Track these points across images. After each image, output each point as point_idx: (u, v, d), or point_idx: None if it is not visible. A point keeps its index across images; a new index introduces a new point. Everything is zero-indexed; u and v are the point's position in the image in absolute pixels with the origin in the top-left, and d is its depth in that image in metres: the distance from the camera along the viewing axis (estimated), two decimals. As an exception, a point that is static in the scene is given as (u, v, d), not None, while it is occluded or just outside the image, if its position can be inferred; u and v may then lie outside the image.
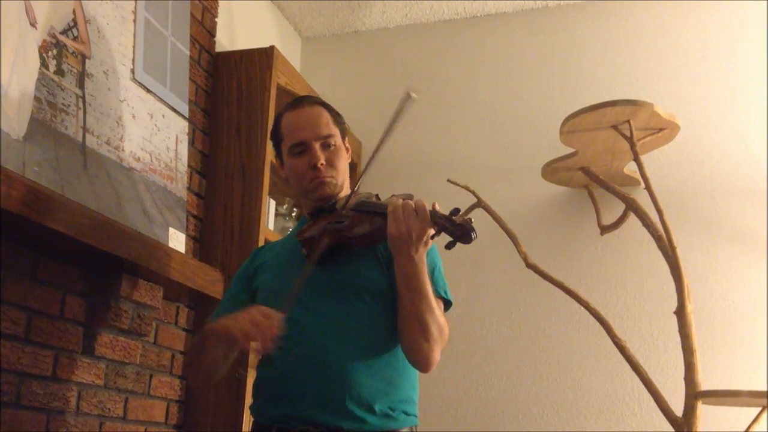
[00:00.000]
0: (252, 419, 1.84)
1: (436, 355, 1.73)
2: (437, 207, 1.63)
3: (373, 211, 1.73)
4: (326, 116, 1.91)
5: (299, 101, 1.97)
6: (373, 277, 1.78)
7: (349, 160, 1.96)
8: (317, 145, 1.87)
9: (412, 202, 1.62)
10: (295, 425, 1.69)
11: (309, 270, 1.69)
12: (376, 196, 1.87)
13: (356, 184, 1.84)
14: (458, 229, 1.54)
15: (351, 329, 1.74)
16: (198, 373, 1.95)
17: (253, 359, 2.05)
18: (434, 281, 1.78)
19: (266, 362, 1.82)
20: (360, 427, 1.67)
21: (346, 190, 1.91)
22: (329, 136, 1.88)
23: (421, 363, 1.74)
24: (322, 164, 1.85)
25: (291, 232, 2.00)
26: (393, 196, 1.73)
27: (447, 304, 1.85)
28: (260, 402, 1.81)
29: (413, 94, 1.63)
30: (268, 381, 1.80)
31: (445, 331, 1.73)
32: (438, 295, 1.79)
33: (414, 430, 1.79)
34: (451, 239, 1.57)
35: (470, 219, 1.54)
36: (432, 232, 1.61)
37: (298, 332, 1.73)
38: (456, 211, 1.59)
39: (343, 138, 1.94)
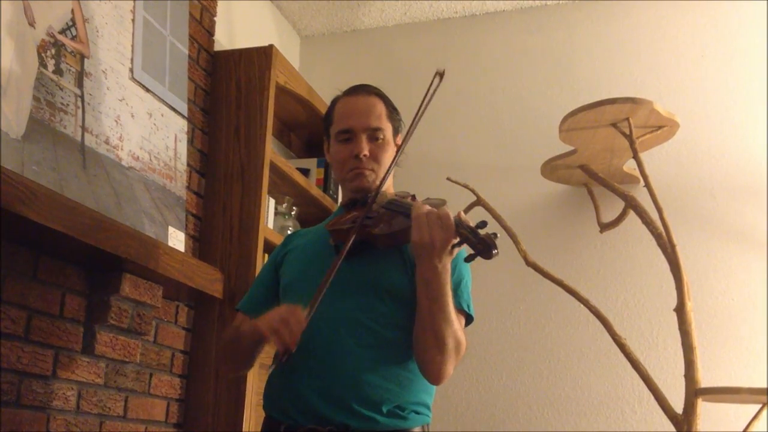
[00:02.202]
0: (264, 415, 1.83)
1: (449, 368, 1.68)
2: (463, 216, 1.58)
3: (401, 211, 1.69)
4: (380, 108, 1.87)
5: (357, 88, 1.92)
6: (396, 278, 1.72)
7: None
8: (364, 136, 1.83)
9: (437, 210, 1.57)
10: (303, 420, 1.67)
11: (336, 266, 1.65)
12: (413, 196, 1.83)
13: (387, 171, 1.79)
14: (480, 243, 1.50)
15: (367, 328, 1.70)
16: (230, 367, 2.05)
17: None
18: (459, 294, 1.75)
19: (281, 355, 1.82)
20: (369, 426, 1.65)
21: (387, 187, 1.86)
22: (378, 129, 1.84)
23: (433, 375, 1.69)
24: (364, 155, 1.81)
25: (325, 220, 1.98)
26: (427, 199, 1.71)
27: (469, 320, 1.80)
28: (272, 393, 1.79)
29: (441, 70, 1.62)
30: (280, 374, 1.77)
31: (462, 347, 1.68)
32: (460, 309, 1.75)
33: (426, 428, 1.75)
34: (472, 252, 1.52)
35: (495, 234, 1.50)
36: (455, 241, 1.56)
37: (314, 327, 1.71)
38: (483, 223, 1.53)
39: (395, 134, 1.90)
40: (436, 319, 1.62)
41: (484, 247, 1.49)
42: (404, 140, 1.75)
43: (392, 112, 1.90)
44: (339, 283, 1.73)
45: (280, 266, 1.92)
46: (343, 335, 1.69)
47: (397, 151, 1.83)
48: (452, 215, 1.57)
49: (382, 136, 1.85)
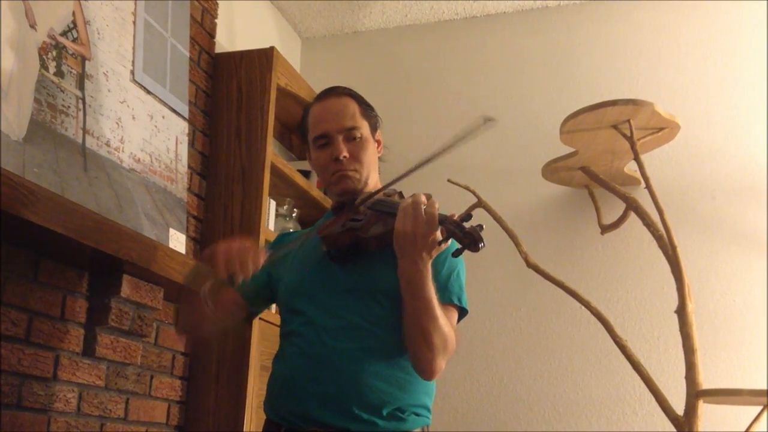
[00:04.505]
0: (264, 417, 1.82)
1: (440, 364, 1.66)
2: (454, 215, 1.56)
3: (388, 211, 1.67)
4: (353, 107, 1.86)
5: (327, 92, 1.90)
6: (391, 279, 1.66)
7: (380, 154, 1.91)
8: (340, 138, 1.81)
9: (423, 202, 1.56)
10: (303, 425, 1.67)
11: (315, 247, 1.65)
12: (400, 193, 1.82)
13: (385, 187, 1.75)
14: (466, 237, 1.49)
15: (364, 331, 1.70)
16: (188, 322, 1.95)
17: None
18: (449, 287, 1.73)
19: (280, 358, 1.81)
20: (369, 429, 1.65)
21: (374, 184, 1.85)
22: (353, 128, 1.83)
23: (423, 371, 1.68)
24: (344, 157, 1.80)
25: (316, 224, 1.98)
26: (414, 195, 1.70)
27: (463, 313, 1.78)
28: (271, 398, 1.79)
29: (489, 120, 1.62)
30: (279, 377, 1.78)
31: (450, 342, 1.66)
32: (451, 302, 1.73)
33: (426, 430, 1.75)
34: (459, 246, 1.51)
35: (480, 226, 1.48)
36: (440, 237, 1.55)
37: (312, 331, 1.72)
38: (468, 216, 1.52)
39: (373, 131, 1.89)
40: (421, 317, 1.61)
41: (470, 241, 1.48)
42: (427, 161, 1.68)
43: (366, 109, 1.89)
44: (336, 289, 1.74)
45: (272, 266, 1.89)
46: (343, 340, 1.69)
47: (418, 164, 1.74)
48: (437, 207, 1.55)
49: (359, 135, 1.83)
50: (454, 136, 1.66)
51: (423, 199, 1.58)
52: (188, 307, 1.89)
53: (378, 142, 1.91)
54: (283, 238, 2.03)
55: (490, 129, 1.65)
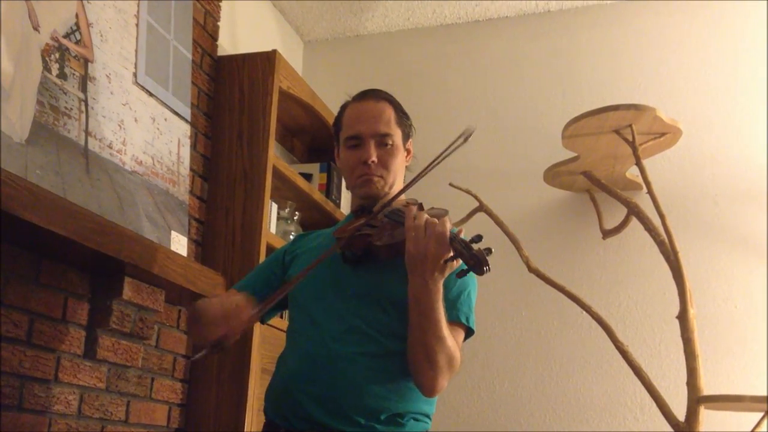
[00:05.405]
0: (264, 420, 1.82)
1: (442, 383, 1.65)
2: (461, 232, 1.56)
3: (402, 221, 1.66)
4: (389, 114, 1.86)
5: (366, 93, 1.90)
6: (400, 289, 1.65)
7: (408, 163, 1.91)
8: (372, 142, 1.82)
9: (433, 222, 1.54)
10: (302, 426, 1.67)
11: (319, 261, 1.65)
12: (420, 205, 1.80)
13: (401, 192, 1.76)
14: (472, 259, 1.48)
15: (367, 337, 1.69)
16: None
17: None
18: (458, 305, 1.72)
19: (283, 357, 1.81)
20: None
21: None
22: (386, 134, 1.83)
23: (424, 388, 1.67)
24: (373, 161, 1.80)
25: (336, 224, 1.97)
26: (432, 208, 1.68)
27: (469, 333, 1.77)
28: (273, 396, 1.79)
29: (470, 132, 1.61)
30: (281, 377, 1.78)
31: (455, 362, 1.64)
32: (458, 321, 1.72)
33: None
34: (465, 267, 1.50)
35: (488, 250, 1.47)
36: (449, 255, 1.53)
37: (317, 332, 1.72)
38: (478, 238, 1.51)
39: (405, 140, 1.89)
40: (427, 335, 1.59)
41: (475, 263, 1.47)
42: (417, 177, 1.70)
43: (402, 117, 1.89)
44: (344, 293, 1.73)
45: (288, 266, 1.92)
46: (345, 344, 1.69)
47: (409, 183, 1.77)
48: (449, 228, 1.54)
49: (391, 142, 1.84)
50: (446, 147, 1.65)
51: (430, 217, 1.56)
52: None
53: (408, 151, 1.91)
54: (301, 238, 2.02)
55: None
